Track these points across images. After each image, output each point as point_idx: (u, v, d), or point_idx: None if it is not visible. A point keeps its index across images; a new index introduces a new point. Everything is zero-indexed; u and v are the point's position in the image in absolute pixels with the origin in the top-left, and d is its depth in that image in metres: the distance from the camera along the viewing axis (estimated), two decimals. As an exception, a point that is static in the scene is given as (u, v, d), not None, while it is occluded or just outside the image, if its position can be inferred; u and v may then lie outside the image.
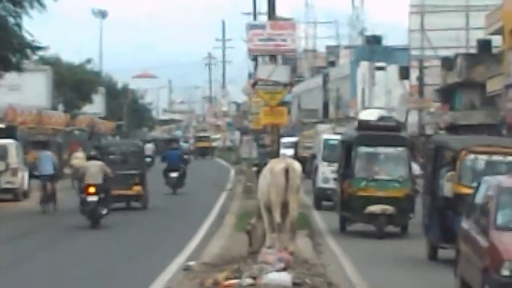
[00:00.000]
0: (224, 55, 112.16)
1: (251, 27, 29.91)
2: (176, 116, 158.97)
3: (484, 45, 70.34)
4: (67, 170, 53.36)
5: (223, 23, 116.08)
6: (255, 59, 28.39)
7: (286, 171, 18.39)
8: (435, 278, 19.83)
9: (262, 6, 37.58)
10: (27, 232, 31.16)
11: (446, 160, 21.52)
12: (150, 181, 44.24)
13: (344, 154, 26.21)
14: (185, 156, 58.80)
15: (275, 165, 19.04)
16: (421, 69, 73.33)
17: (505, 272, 13.40)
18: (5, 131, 50.90)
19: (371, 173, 24.65)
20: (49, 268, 21.52)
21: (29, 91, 67.93)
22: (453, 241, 16.57)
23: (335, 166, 30.75)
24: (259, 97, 29.34)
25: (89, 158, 40.89)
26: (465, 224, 15.77)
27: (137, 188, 42.04)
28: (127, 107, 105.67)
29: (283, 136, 55.51)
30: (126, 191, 41.54)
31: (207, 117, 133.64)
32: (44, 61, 66.06)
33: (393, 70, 79.12)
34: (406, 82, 75.87)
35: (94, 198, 33.74)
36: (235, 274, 16.80)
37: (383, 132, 25.76)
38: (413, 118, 70.88)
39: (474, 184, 16.56)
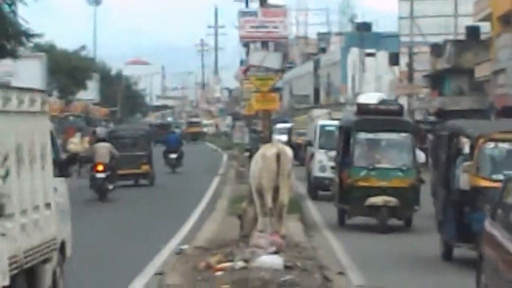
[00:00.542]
0: (216, 42, 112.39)
1: (243, 14, 29.97)
2: (169, 102, 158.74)
3: (473, 31, 70.47)
4: (63, 155, 53.55)
5: (216, 10, 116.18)
6: (247, 45, 28.47)
7: (278, 156, 18.44)
8: (452, 281, 17.21)
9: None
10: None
11: (462, 148, 18.96)
12: (150, 162, 47.36)
13: (343, 141, 23.42)
14: None
15: (267, 151, 19.11)
16: (411, 55, 73.39)
17: None
18: (0, 117, 50.91)
19: (372, 161, 21.73)
20: None
21: (24, 77, 67.69)
22: (470, 240, 14.64)
23: (332, 154, 28.42)
24: (251, 83, 29.30)
25: (98, 140, 46.35)
26: (490, 226, 13.39)
27: (145, 167, 47.31)
28: (121, 94, 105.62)
29: (276, 122, 55.52)
30: (136, 170, 46.87)
31: (200, 103, 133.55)
32: (39, 48, 66.00)
33: (383, 56, 79.22)
34: (395, 68, 75.95)
35: (102, 175, 38.44)
36: (228, 257, 16.86)
37: (384, 117, 22.77)
38: (402, 103, 70.44)
39: (494, 176, 14.92)
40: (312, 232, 23.99)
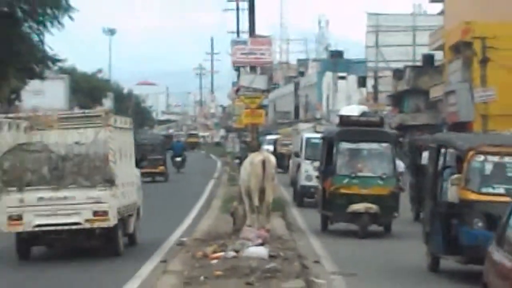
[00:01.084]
0: (212, 66, 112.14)
1: (235, 43, 30.00)
2: (172, 117, 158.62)
3: (428, 59, 70.91)
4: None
5: (212, 39, 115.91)
6: (238, 69, 28.39)
7: (263, 163, 18.50)
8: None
9: (245, 25, 37.42)
10: None
11: (450, 161, 16.06)
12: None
13: (326, 150, 21.44)
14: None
15: (254, 158, 19.17)
16: (376, 78, 73.75)
17: None
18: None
19: (353, 170, 19.74)
20: None
21: (50, 95, 67.90)
22: (457, 253, 13.11)
23: (317, 164, 26.14)
24: (241, 101, 29.30)
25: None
26: (496, 253, 10.21)
27: (161, 168, 50.33)
28: (131, 110, 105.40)
29: (263, 134, 55.44)
30: (154, 170, 48.77)
31: (198, 117, 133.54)
32: (62, 70, 65.85)
33: (352, 79, 79.31)
34: (363, 89, 76.13)
35: None
36: (221, 248, 16.88)
37: (366, 128, 21.04)
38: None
39: (484, 190, 13.07)
40: (294, 230, 23.23)
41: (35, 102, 63.65)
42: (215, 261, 15.48)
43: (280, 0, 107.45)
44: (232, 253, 16.09)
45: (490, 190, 12.80)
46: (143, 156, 43.74)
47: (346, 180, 19.68)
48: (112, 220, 18.11)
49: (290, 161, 39.61)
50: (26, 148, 18.28)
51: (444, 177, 14.13)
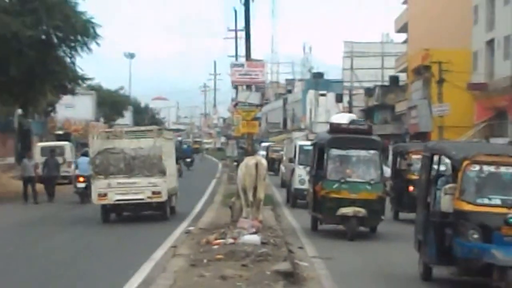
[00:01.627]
0: (215, 85, 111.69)
1: (233, 65, 29.81)
2: (181, 127, 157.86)
3: (394, 79, 71.08)
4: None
5: (214, 62, 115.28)
6: (236, 88, 28.29)
7: (256, 166, 18.57)
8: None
9: (242, 51, 37.42)
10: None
11: (444, 170, 14.40)
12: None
13: (317, 156, 19.68)
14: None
15: (249, 161, 19.22)
16: (350, 95, 73.67)
17: None
18: (63, 136, 51.17)
19: (343, 175, 17.93)
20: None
21: (80, 108, 67.82)
22: (451, 263, 11.29)
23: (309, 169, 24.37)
24: (239, 114, 29.17)
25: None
26: None
27: (177, 166, 44.21)
28: (147, 120, 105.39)
29: (259, 141, 55.30)
30: None
31: (203, 127, 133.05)
32: (90, 87, 65.65)
33: (331, 96, 79.15)
34: (340, 104, 75.93)
35: None
36: (221, 236, 16.89)
37: (355, 135, 19.11)
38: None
39: (479, 200, 11.14)
40: (280, 215, 23.75)
41: (67, 114, 63.82)
42: (216, 247, 15.50)
43: (271, 30, 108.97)
44: (230, 240, 16.11)
45: (486, 201, 10.92)
46: None
47: (336, 185, 17.82)
48: (163, 197, 23.67)
49: (281, 165, 38.89)
50: (109, 151, 23.69)
51: (438, 186, 12.18)
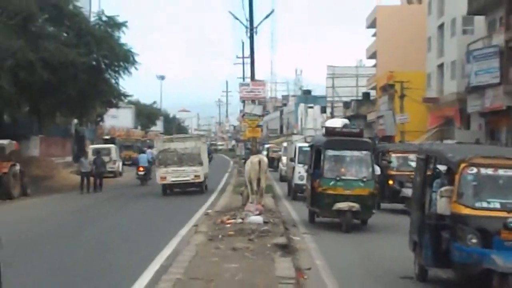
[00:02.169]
0: (227, 100, 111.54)
1: (241, 84, 29.80)
2: (201, 133, 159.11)
3: (366, 95, 70.98)
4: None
5: (226, 82, 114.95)
6: (243, 102, 28.33)
7: (259, 162, 18.54)
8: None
9: (248, 73, 37.51)
10: (129, 188, 31.98)
11: (439, 172, 11.24)
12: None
13: (314, 156, 17.71)
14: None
15: (253, 159, 19.18)
16: (332, 108, 73.65)
17: None
18: (109, 140, 51.26)
19: (338, 173, 16.28)
20: (137, 204, 22.96)
21: (122, 118, 68.05)
22: (447, 265, 9.09)
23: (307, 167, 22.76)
24: (246, 122, 29.17)
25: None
26: None
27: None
28: (174, 128, 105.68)
29: (260, 144, 55.10)
30: None
31: (218, 133, 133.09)
32: (130, 102, 65.85)
33: (317, 108, 79.04)
34: (324, 114, 75.88)
35: None
36: (233, 216, 16.91)
37: (348, 138, 17.46)
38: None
39: (477, 204, 8.88)
40: (280, 203, 23.29)
41: (112, 123, 63.91)
42: (228, 225, 15.50)
43: (270, 57, 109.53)
44: (240, 220, 16.15)
45: (485, 204, 8.74)
46: None
47: (332, 182, 15.93)
48: (201, 179, 28.45)
49: (279, 163, 38.20)
50: (167, 150, 28.75)
51: (433, 188, 9.94)
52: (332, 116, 71.12)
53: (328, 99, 79.12)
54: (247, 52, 42.32)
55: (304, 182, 22.84)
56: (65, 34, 32.80)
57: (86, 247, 14.02)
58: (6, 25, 28.85)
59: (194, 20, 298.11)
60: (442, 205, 9.34)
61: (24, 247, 13.83)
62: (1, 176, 25.44)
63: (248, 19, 27.90)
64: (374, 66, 72.32)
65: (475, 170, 9.02)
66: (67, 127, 44.81)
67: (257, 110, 28.65)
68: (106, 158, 36.26)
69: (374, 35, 69.88)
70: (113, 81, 35.64)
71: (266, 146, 57.02)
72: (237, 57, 53.81)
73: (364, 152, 16.50)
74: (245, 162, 25.01)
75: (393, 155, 21.19)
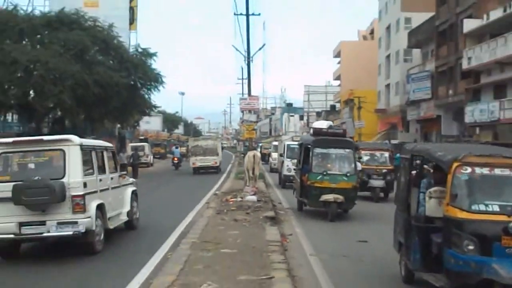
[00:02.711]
0: (230, 110, 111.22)
1: (241, 99, 29.89)
2: (212, 135, 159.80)
3: (333, 107, 70.84)
4: (169, 155, 53.19)
5: (230, 98, 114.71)
6: (242, 112, 28.32)
7: (254, 156, 18.51)
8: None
9: (246, 90, 37.51)
10: (159, 176, 31.04)
11: (425, 172, 8.23)
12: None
13: (303, 154, 15.43)
14: None
15: (250, 153, 19.15)
16: (308, 116, 73.62)
17: None
18: (143, 140, 51.44)
19: (325, 169, 14.14)
20: (169, 187, 22.25)
21: (153, 124, 67.77)
22: (437, 271, 6.39)
23: (294, 162, 20.94)
24: (244, 127, 29.20)
25: (185, 152, 44.55)
26: None
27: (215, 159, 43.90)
28: (192, 131, 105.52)
29: (255, 142, 55.01)
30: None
31: (224, 134, 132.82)
32: (159, 111, 65.62)
33: (297, 116, 78.84)
34: (302, 121, 75.93)
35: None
36: (234, 196, 16.93)
37: (334, 137, 15.14)
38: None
39: (474, 207, 6.04)
40: (270, 188, 22.72)
41: (146, 127, 63.61)
42: (231, 203, 15.52)
43: (262, 78, 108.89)
44: (239, 199, 16.17)
45: (482, 208, 6.06)
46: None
47: (319, 177, 13.76)
48: (218, 164, 32.58)
49: (270, 158, 37.11)
50: (196, 146, 33.31)
51: (420, 189, 7.40)
52: (308, 122, 71.08)
53: (305, 109, 79.15)
54: (245, 75, 42.31)
55: (291, 173, 21.11)
56: (111, 62, 32.75)
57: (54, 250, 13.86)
58: (67, 54, 28.85)
59: (207, 51, 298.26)
60: (431, 207, 6.84)
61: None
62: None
63: (246, 51, 27.95)
64: (339, 85, 72.39)
65: (469, 169, 6.31)
66: (112, 130, 44.58)
67: (252, 117, 28.62)
68: (141, 153, 36.97)
69: (339, 62, 69.99)
70: (146, 96, 35.62)
71: (260, 144, 56.92)
72: (238, 79, 53.53)
73: (347, 150, 14.26)
74: (243, 156, 25.00)
75: (362, 152, 19.64)
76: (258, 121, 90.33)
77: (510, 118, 26.90)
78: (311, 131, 15.08)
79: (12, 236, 8.51)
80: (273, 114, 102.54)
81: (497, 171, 6.27)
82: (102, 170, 9.95)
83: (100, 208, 9.28)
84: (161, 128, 78.47)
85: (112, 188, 10.28)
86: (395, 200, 8.14)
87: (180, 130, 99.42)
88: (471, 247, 5.87)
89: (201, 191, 20.88)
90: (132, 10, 44.41)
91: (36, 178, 8.48)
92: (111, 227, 9.93)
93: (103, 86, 29.70)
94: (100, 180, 9.64)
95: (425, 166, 7.99)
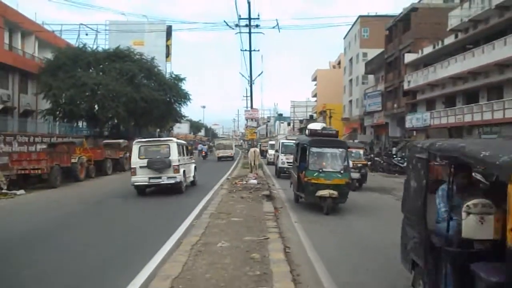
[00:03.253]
0: (238, 119, 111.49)
1: (245, 110, 29.65)
2: (224, 137, 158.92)
3: (311, 116, 69.83)
4: (195, 151, 52.78)
5: (238, 109, 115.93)
6: (247, 120, 28.22)
7: (254, 151, 18.50)
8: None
9: (249, 104, 37.54)
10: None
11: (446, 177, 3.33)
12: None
13: (300, 152, 12.47)
14: None
15: (251, 149, 19.19)
16: (293, 123, 73.25)
17: None
18: (167, 140, 51.18)
19: (320, 166, 11.15)
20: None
21: (183, 128, 67.74)
22: None
23: (287, 156, 19.25)
24: (248, 131, 29.02)
25: (209, 146, 47.95)
26: None
27: (230, 152, 40.97)
28: (210, 134, 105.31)
29: (256, 141, 54.64)
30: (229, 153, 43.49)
31: (233, 136, 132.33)
32: (187, 120, 65.54)
33: (285, 124, 78.63)
34: (289, 127, 75.63)
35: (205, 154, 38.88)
36: (241, 180, 16.84)
37: (328, 138, 12.16)
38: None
39: None
40: (269, 179, 19.06)
41: (178, 131, 63.41)
42: (239, 185, 15.38)
43: (260, 96, 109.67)
44: (244, 182, 16.03)
45: None
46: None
47: (315, 174, 10.83)
48: (233, 155, 34.58)
49: (267, 153, 34.74)
50: (218, 144, 35.45)
51: (440, 198, 3.36)
52: (293, 128, 70.75)
53: (291, 118, 78.79)
54: (248, 93, 42.34)
55: (285, 166, 19.03)
56: (152, 84, 32.70)
57: (162, 192, 13.48)
58: (122, 79, 28.90)
59: (222, 76, 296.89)
60: (471, 226, 3.19)
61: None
62: (118, 158, 25.34)
63: (249, 76, 27.91)
64: (315, 101, 72.11)
65: None
66: (154, 133, 44.49)
67: (254, 124, 28.40)
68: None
69: (316, 84, 69.77)
70: (178, 109, 35.63)
71: (259, 143, 56.77)
72: (243, 96, 54.04)
73: (341, 149, 11.42)
74: (247, 152, 24.87)
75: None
76: (258, 126, 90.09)
77: (437, 124, 26.94)
78: (307, 132, 12.52)
79: (145, 183, 13.13)
80: (268, 121, 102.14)
81: None
82: (183, 154, 14.37)
83: (184, 172, 13.83)
84: (188, 132, 78.36)
85: (187, 163, 14.70)
86: (403, 209, 4.43)
87: (202, 133, 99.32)
88: None
89: (217, 176, 20.55)
90: (168, 47, 44.32)
91: (158, 157, 13.12)
92: (187, 182, 14.55)
93: (147, 102, 29.75)
94: (183, 159, 14.12)
95: (474, 175, 4.12)
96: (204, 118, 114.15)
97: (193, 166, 15.68)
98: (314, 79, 69.44)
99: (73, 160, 18.27)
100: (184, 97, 34.85)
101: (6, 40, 26.78)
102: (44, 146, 20.27)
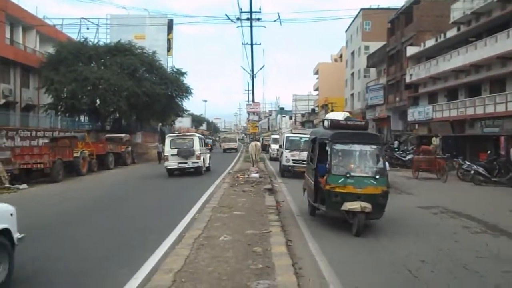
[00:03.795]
0: (240, 113, 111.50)
1: (247, 104, 29.64)
2: (226, 130, 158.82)
3: (313, 110, 70.02)
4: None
5: (240, 103, 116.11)
6: (249, 114, 28.15)
7: (256, 145, 18.52)
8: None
9: (251, 98, 37.42)
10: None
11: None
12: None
13: (318, 151, 8.24)
14: None
15: (252, 143, 19.21)
16: (295, 117, 73.17)
17: None
18: (191, 134, 51.04)
19: (347, 170, 7.10)
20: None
21: (185, 122, 67.73)
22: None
23: (292, 153, 17.57)
24: (250, 124, 28.94)
25: (213, 140, 46.87)
26: None
27: (234, 145, 43.70)
28: (212, 129, 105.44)
29: (258, 135, 54.52)
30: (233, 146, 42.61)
31: (235, 130, 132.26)
32: (189, 114, 65.48)
33: (287, 117, 78.39)
34: (291, 120, 75.44)
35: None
36: (243, 174, 16.85)
37: (356, 131, 7.79)
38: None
39: None
40: (273, 178, 16.76)
41: (180, 125, 63.33)
42: (241, 178, 15.44)
43: (262, 90, 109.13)
44: (246, 176, 16.08)
45: None
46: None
47: (341, 180, 7.20)
48: (236, 147, 33.80)
49: (269, 148, 33.12)
50: (224, 137, 35.31)
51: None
52: (295, 121, 70.66)
53: (293, 112, 78.66)
54: (250, 87, 42.19)
55: (289, 163, 17.26)
56: (154, 78, 32.62)
57: (160, 183, 13.78)
58: (123, 73, 28.85)
59: (223, 70, 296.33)
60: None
61: (148, 177, 17.59)
62: (120, 152, 25.38)
63: (251, 70, 27.80)
64: (317, 94, 71.96)
65: None
66: (156, 127, 44.54)
67: (256, 118, 28.44)
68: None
69: (318, 78, 69.56)
70: (179, 103, 35.53)
71: (261, 137, 56.79)
72: (245, 90, 53.87)
73: (374, 146, 7.60)
74: (249, 145, 24.92)
75: None
76: (260, 120, 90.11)
77: (439, 117, 26.78)
78: (325, 123, 8.47)
79: (175, 167, 17.55)
80: (270, 115, 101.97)
81: None
82: (203, 145, 18.48)
83: (203, 159, 17.99)
84: (190, 126, 78.15)
85: (205, 153, 18.77)
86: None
87: (203, 127, 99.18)
88: None
89: (220, 170, 20.57)
90: (169, 41, 44.16)
91: (185, 147, 17.37)
92: (205, 168, 18.42)
93: (149, 96, 29.68)
94: (202, 149, 18.22)
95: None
96: (206, 112, 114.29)
97: (208, 155, 19.58)
98: (316, 73, 69.17)
99: (75, 155, 18.30)
100: (185, 91, 34.76)
101: (8, 35, 26.71)
102: (46, 141, 20.26)
